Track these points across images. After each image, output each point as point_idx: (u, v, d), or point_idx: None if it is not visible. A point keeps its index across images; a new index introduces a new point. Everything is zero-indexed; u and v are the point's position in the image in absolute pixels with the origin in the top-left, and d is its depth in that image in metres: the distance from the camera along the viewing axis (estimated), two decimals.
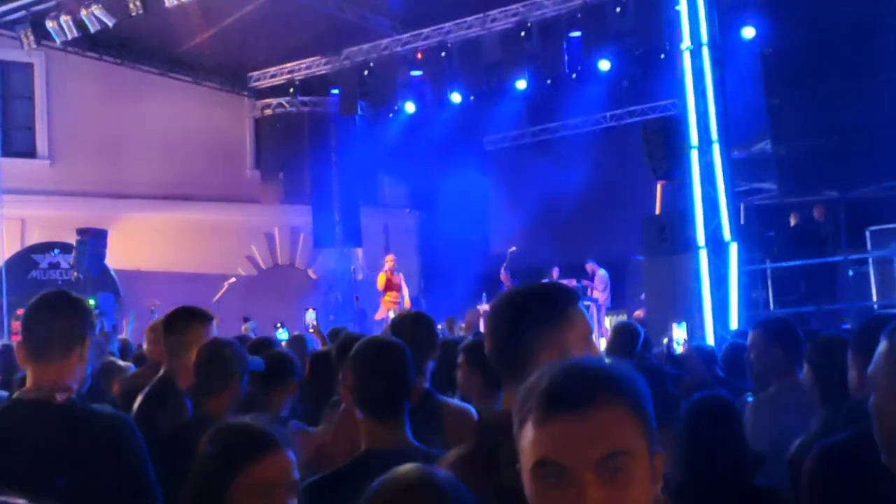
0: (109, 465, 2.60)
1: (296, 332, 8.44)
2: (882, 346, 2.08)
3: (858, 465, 2.63)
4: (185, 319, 4.13)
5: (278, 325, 13.15)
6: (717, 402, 3.41)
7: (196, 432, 3.56)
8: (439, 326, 13.61)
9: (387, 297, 16.25)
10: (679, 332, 4.65)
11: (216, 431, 2.22)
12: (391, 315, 15.86)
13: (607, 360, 1.48)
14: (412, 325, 3.79)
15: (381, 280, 16.31)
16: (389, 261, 16.48)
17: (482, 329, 11.70)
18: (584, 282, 16.40)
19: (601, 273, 16.54)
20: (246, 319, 10.86)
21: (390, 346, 2.85)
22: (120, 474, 2.62)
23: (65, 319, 2.77)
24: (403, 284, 16.48)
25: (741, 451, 3.29)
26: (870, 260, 11.67)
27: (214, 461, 2.10)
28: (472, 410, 3.65)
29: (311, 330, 8.00)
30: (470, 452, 2.07)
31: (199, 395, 3.71)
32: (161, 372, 4.21)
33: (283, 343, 10.62)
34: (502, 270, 17.02)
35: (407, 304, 16.18)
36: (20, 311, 11.91)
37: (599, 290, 16.37)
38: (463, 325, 12.14)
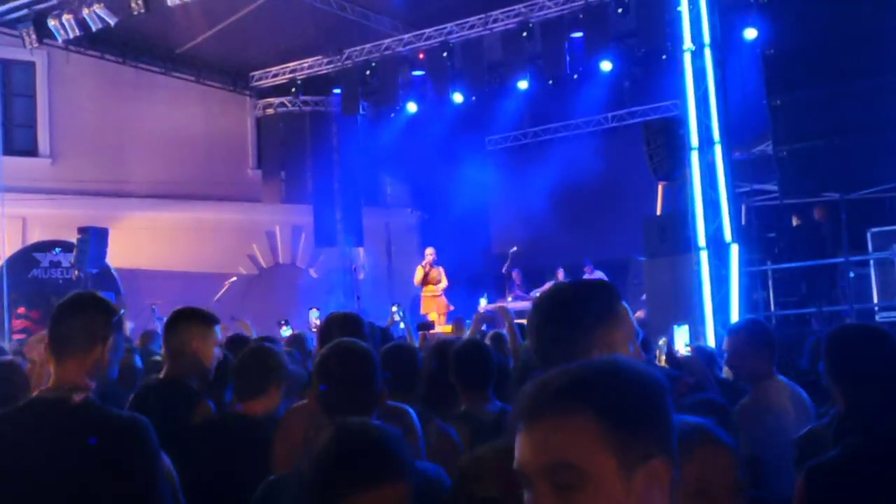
0: (122, 466, 2.60)
1: (296, 331, 8.45)
2: None
3: (851, 483, 2.63)
4: (190, 320, 4.13)
5: (282, 322, 13.16)
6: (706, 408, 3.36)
7: (222, 430, 3.59)
8: (442, 329, 13.54)
9: (425, 292, 16.10)
10: (681, 335, 4.65)
11: (340, 436, 1.97)
12: (432, 310, 15.80)
13: (622, 362, 1.40)
14: (340, 328, 3.74)
15: (418, 274, 16.18)
16: (428, 254, 16.25)
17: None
18: None
19: (598, 275, 16.52)
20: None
21: (356, 352, 2.81)
22: (132, 476, 2.62)
23: (86, 318, 2.79)
24: (444, 277, 16.18)
25: None
26: (871, 262, 11.66)
27: (328, 474, 1.89)
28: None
29: (315, 329, 8.02)
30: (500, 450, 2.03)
31: (235, 395, 3.74)
32: (163, 372, 4.20)
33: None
34: (504, 270, 17.03)
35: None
36: (21, 310, 11.96)
37: None
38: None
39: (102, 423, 2.66)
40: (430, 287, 16.02)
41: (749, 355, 4.33)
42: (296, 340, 6.70)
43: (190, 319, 4.14)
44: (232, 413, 3.74)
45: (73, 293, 2.95)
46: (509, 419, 1.38)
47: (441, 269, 16.25)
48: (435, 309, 15.88)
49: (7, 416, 2.72)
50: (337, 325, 3.78)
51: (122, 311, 2.89)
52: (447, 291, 16.27)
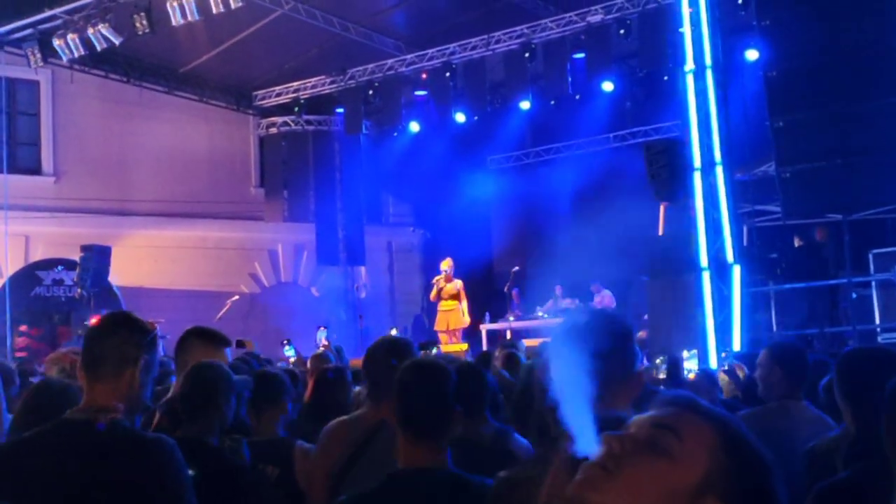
0: (146, 489, 2.58)
1: (318, 350, 8.48)
2: None
3: None
4: (196, 339, 4.15)
5: (285, 342, 13.16)
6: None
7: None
8: (450, 347, 13.46)
9: (440, 307, 15.99)
10: (690, 361, 4.70)
11: None
12: (443, 325, 15.68)
13: None
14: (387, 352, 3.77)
15: (433, 291, 16.12)
16: (442, 268, 15.97)
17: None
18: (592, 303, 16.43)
19: (606, 294, 16.53)
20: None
21: (434, 369, 2.88)
22: (157, 499, 2.59)
23: (118, 339, 2.73)
24: (461, 292, 15.93)
25: None
26: (872, 283, 11.67)
27: None
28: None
29: (323, 348, 8.06)
30: None
31: (183, 416, 3.70)
32: (171, 392, 4.25)
33: (291, 360, 10.66)
34: (506, 289, 17.03)
35: (462, 315, 15.77)
36: (23, 328, 11.98)
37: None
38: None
39: (127, 445, 2.63)
40: (444, 302, 15.87)
41: (765, 372, 4.34)
42: (318, 360, 6.70)
43: (194, 339, 4.15)
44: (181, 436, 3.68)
45: (107, 313, 2.92)
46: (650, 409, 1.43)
47: (458, 283, 16.00)
48: (445, 324, 15.75)
49: (32, 438, 2.70)
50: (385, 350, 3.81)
51: (156, 330, 2.86)
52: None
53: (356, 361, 8.17)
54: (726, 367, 7.20)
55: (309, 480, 3.56)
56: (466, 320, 15.86)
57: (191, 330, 4.18)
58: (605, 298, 16.47)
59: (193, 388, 3.64)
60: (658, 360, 7.25)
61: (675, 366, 6.05)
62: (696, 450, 1.33)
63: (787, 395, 4.27)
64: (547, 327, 15.97)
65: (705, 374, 5.68)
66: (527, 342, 12.11)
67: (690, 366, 5.24)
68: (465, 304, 15.88)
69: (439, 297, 15.93)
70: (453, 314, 15.76)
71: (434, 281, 16.19)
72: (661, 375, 7.15)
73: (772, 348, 4.50)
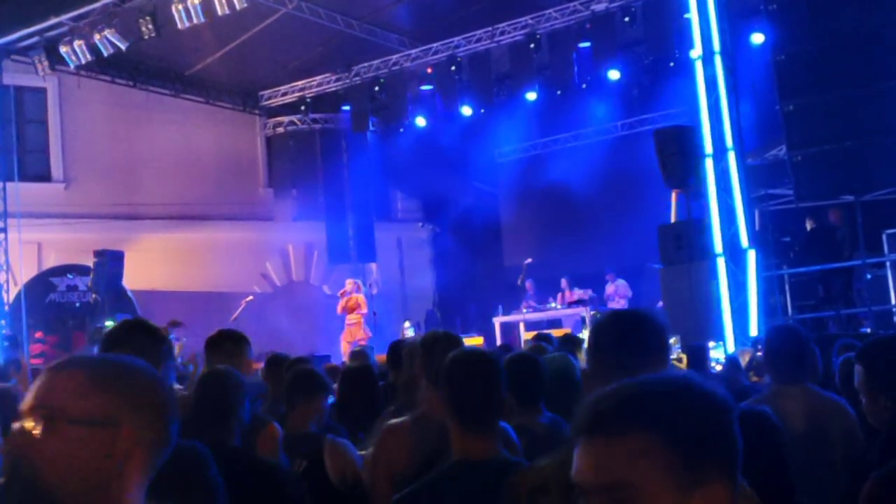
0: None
1: (356, 348, 8.55)
2: None
3: None
4: (233, 341, 4.21)
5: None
6: (753, 418, 3.33)
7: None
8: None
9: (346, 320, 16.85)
10: (717, 351, 4.67)
11: None
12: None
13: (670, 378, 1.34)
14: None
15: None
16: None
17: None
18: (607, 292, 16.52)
19: (621, 283, 16.52)
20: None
21: (485, 358, 2.89)
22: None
23: (138, 350, 2.62)
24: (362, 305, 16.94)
25: (780, 467, 3.25)
26: (887, 263, 11.66)
27: None
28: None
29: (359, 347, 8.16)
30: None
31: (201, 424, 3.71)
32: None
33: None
34: (519, 282, 17.01)
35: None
36: (39, 334, 11.98)
37: (618, 299, 16.27)
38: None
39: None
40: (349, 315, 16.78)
41: (775, 360, 4.30)
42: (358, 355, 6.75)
43: (238, 341, 4.23)
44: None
45: (121, 322, 2.83)
46: (570, 431, 1.38)
47: (358, 297, 16.94)
48: (350, 336, 16.39)
49: None
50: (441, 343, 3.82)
51: (172, 337, 2.84)
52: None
53: (380, 357, 8.20)
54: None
55: (370, 480, 3.57)
56: (365, 332, 16.59)
57: (223, 333, 4.25)
58: (619, 287, 16.47)
59: (210, 394, 3.67)
60: (672, 340, 7.19)
61: (698, 356, 5.98)
62: (655, 482, 1.25)
63: (796, 379, 4.18)
64: (560, 318, 16.00)
65: (729, 362, 5.65)
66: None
67: (717, 355, 5.21)
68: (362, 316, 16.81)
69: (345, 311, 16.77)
70: (354, 328, 16.55)
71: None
72: (674, 356, 7.10)
73: (780, 338, 4.44)
